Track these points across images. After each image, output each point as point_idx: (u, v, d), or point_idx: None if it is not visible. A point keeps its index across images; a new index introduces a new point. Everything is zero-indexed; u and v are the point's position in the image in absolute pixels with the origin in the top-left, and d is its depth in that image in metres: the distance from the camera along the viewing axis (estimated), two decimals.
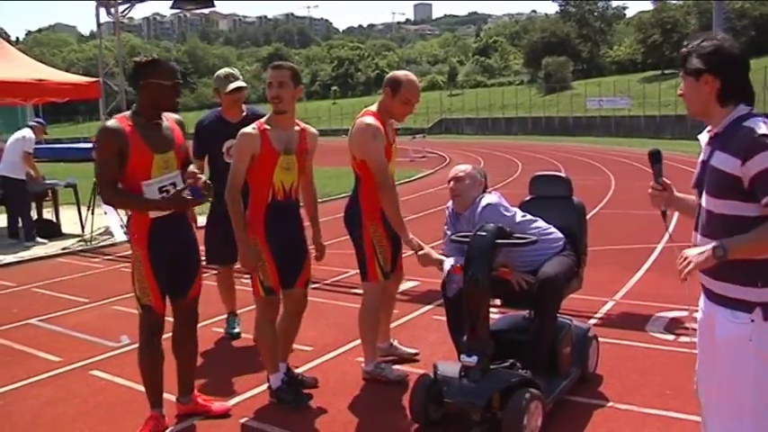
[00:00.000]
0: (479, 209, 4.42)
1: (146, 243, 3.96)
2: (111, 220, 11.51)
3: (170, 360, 4.31)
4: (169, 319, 4.21)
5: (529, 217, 4.55)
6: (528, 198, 4.94)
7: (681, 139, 39.16)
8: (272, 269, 4.40)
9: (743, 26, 60.82)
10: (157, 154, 3.93)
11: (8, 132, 14.00)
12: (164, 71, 3.95)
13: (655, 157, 2.93)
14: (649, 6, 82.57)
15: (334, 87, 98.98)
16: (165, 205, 3.94)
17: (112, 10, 13.08)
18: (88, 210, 11.43)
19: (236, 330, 6.09)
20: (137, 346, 4.22)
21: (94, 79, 13.32)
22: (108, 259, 9.93)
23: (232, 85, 5.65)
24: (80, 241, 10.95)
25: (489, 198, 4.49)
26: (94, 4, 13.05)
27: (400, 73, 4.92)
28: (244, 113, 5.71)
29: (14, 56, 12.99)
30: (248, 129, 4.37)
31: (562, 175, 5.07)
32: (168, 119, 4.12)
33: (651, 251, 9.00)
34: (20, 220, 11.05)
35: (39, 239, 10.93)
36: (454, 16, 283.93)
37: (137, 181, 3.90)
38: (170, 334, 4.32)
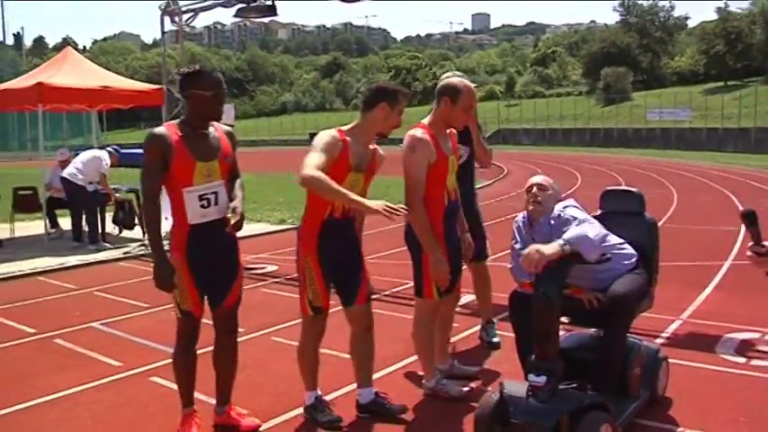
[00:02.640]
0: (563, 218, 4.23)
1: (184, 249, 4.02)
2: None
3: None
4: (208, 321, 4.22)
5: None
6: (598, 213, 4.78)
7: (744, 152, 38.22)
8: (321, 288, 4.26)
9: None
10: (200, 161, 3.98)
11: (75, 138, 14.28)
12: (205, 82, 3.99)
13: (750, 219, 2.73)
14: (713, 16, 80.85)
15: None
16: (155, 256, 3.95)
17: (176, 18, 13.30)
18: None
19: (496, 339, 5.90)
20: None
21: (158, 86, 13.54)
22: None
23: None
24: (141, 245, 11.09)
25: (574, 211, 4.28)
26: (159, 13, 13.30)
27: (455, 80, 4.74)
28: None
29: (82, 63, 13.28)
30: (330, 132, 4.16)
31: (635, 190, 4.88)
32: (218, 129, 4.15)
33: (717, 269, 8.73)
34: (84, 224, 11.26)
35: (104, 244, 11.11)
36: (512, 26, 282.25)
37: (179, 188, 3.98)
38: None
